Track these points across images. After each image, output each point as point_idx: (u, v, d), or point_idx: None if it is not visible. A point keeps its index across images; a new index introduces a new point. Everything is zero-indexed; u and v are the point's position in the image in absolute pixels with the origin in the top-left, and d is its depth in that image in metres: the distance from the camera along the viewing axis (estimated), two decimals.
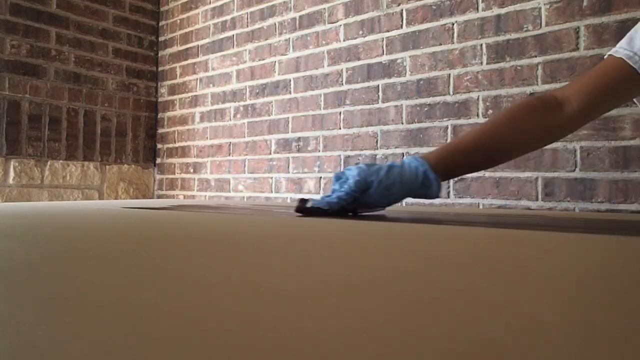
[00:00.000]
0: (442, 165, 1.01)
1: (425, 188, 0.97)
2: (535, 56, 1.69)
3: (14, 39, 2.61)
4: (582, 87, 1.03)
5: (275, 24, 2.55)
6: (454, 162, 1.04)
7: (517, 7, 1.73)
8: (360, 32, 2.18)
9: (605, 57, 1.05)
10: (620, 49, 1.00)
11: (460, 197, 1.82)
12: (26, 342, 0.18)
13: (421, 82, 1.97)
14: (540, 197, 1.64)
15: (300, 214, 0.95)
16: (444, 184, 1.08)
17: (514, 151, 1.13)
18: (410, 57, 2.01)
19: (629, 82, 0.99)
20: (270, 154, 2.52)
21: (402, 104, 2.02)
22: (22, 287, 0.29)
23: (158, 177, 3.21)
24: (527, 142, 1.11)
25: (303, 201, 0.96)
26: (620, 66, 0.99)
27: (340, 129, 2.23)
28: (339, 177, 0.95)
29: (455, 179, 1.81)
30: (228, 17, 2.80)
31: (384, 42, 2.10)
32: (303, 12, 2.42)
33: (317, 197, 1.04)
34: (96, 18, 2.95)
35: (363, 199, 0.92)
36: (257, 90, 2.61)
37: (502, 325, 0.21)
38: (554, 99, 1.04)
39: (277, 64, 2.53)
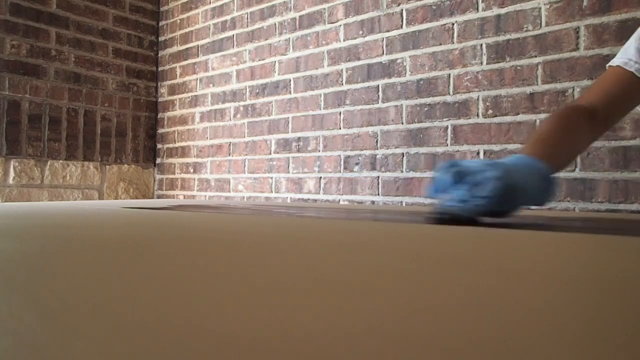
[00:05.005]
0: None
1: (546, 194, 0.84)
2: (535, 56, 1.69)
3: (14, 39, 2.61)
4: (601, 96, 1.03)
5: (275, 24, 2.55)
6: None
7: (517, 7, 1.73)
8: (360, 32, 2.18)
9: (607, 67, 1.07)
10: (617, 59, 1.04)
11: None
12: (26, 342, 0.18)
13: (421, 82, 1.97)
14: None
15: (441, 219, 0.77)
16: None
17: (567, 163, 1.14)
18: (410, 57, 2.01)
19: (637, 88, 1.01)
20: (270, 154, 2.52)
21: (402, 104, 2.02)
22: (22, 287, 0.29)
23: (158, 177, 3.21)
24: (577, 152, 1.14)
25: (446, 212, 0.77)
26: (625, 74, 1.01)
27: (340, 129, 2.23)
28: (461, 174, 0.74)
29: None
30: (228, 17, 2.80)
31: (384, 42, 2.10)
32: (303, 12, 2.42)
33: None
34: (96, 18, 2.95)
35: (504, 206, 0.76)
36: (257, 90, 2.61)
37: (501, 325, 0.21)
38: (584, 109, 1.04)
39: (277, 64, 2.53)
